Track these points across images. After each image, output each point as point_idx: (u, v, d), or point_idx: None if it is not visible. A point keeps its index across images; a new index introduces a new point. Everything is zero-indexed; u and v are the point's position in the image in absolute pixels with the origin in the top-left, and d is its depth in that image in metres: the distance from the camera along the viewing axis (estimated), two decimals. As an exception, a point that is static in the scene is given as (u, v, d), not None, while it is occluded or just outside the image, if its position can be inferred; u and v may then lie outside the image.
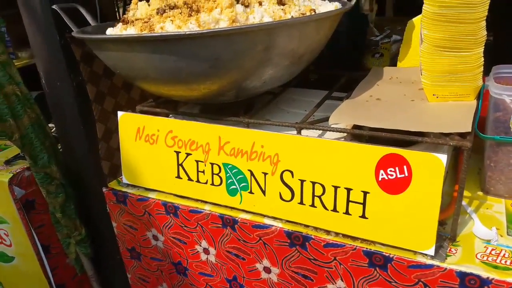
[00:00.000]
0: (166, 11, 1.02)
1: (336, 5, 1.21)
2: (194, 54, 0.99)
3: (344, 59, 1.60)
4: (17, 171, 1.50)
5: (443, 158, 0.85)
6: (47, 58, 1.42)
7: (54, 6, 1.27)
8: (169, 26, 1.01)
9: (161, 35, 0.96)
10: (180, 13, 1.01)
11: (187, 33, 0.94)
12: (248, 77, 1.09)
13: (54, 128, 1.59)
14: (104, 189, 1.40)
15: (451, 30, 0.98)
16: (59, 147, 1.56)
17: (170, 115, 1.32)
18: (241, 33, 0.96)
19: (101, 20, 1.43)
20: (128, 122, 1.31)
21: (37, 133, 1.41)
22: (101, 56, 1.13)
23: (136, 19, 1.08)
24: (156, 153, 1.28)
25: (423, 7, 1.01)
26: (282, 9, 1.09)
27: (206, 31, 0.94)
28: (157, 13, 1.03)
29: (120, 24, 1.13)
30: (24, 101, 1.37)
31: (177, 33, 0.95)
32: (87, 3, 1.48)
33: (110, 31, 1.15)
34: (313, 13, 1.12)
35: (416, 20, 1.33)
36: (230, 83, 1.11)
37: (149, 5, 1.11)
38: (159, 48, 0.99)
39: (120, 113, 1.32)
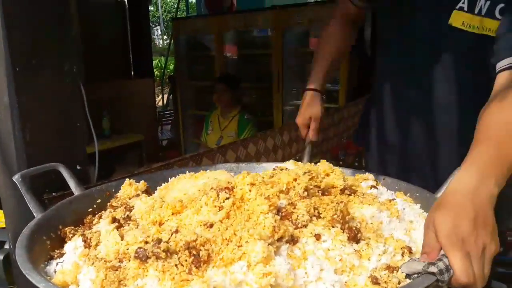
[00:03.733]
0: (150, 257, 0.58)
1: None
2: None
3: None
4: None
5: None
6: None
7: (14, 177, 0.90)
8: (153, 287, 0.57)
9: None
10: (176, 265, 0.57)
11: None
12: None
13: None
14: None
15: None
16: None
17: None
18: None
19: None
20: None
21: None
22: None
23: (98, 258, 0.65)
24: None
25: None
26: (355, 252, 0.63)
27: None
28: (136, 256, 0.59)
29: (80, 241, 0.72)
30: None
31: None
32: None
33: (69, 247, 0.73)
34: (408, 253, 0.65)
35: None
36: None
37: (121, 237, 0.67)
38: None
39: None
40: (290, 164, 0.94)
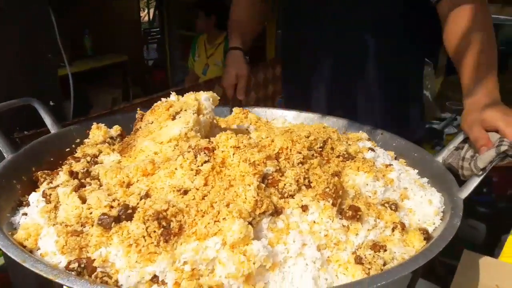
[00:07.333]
0: (112, 225, 0.53)
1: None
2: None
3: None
4: None
5: None
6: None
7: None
8: (118, 259, 0.52)
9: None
10: (144, 236, 0.52)
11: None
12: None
13: None
14: None
15: None
16: None
17: None
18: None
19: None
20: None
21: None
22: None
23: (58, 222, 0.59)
24: None
25: None
26: (343, 227, 0.59)
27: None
28: (100, 223, 0.54)
29: (41, 197, 0.65)
30: None
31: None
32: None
33: (33, 198, 0.67)
34: (401, 228, 0.61)
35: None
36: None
37: (83, 200, 0.60)
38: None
39: None
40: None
